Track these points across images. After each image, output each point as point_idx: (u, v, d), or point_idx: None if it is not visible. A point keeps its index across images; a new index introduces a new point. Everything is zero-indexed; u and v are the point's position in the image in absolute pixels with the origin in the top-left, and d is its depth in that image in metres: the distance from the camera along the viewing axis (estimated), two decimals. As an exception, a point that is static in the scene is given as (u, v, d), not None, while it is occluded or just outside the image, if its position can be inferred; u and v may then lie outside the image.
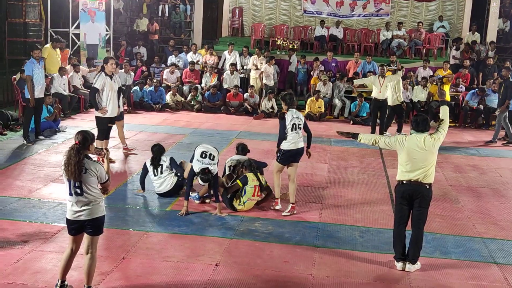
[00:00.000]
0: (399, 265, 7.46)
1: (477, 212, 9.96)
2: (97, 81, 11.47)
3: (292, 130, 9.34)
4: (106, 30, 20.56)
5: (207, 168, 9.11)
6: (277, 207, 9.60)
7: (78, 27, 19.48)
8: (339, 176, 11.81)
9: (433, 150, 7.26)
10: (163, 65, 21.39)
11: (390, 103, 15.48)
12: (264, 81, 19.22)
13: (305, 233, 8.61)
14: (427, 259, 7.73)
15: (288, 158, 9.44)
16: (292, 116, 9.37)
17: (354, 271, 7.37)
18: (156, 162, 10.07)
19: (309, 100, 18.48)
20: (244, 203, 9.36)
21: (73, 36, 19.60)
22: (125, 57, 21.21)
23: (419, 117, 7.55)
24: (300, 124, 9.46)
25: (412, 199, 7.31)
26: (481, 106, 17.95)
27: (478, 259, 7.96)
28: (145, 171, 10.13)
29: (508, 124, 15.79)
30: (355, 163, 12.96)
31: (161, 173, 9.98)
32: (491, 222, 9.51)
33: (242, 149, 10.34)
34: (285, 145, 9.40)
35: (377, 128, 15.63)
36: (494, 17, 22.63)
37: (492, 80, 18.47)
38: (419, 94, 18.24)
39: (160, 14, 25.36)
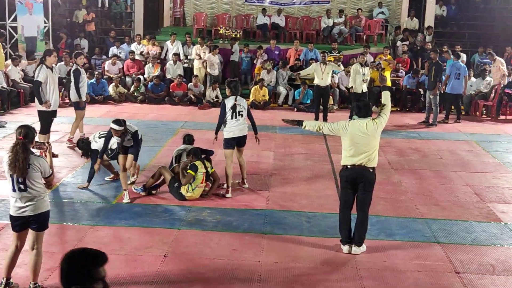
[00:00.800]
0: (345, 248, 7.60)
1: (419, 194, 10.22)
2: (39, 74, 11.24)
3: (232, 118, 9.58)
4: (45, 22, 20.11)
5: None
6: (228, 195, 9.67)
7: (15, 19, 18.99)
8: (285, 163, 11.92)
9: (375, 135, 7.41)
10: (104, 57, 21.09)
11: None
12: (208, 70, 19.19)
13: (253, 220, 8.68)
14: (372, 241, 7.90)
15: (232, 144, 9.72)
16: (234, 103, 9.56)
17: (301, 256, 7.47)
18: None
19: (253, 88, 18.54)
20: (193, 189, 9.37)
21: (11, 29, 19.10)
22: (65, 50, 20.80)
23: (361, 102, 7.70)
24: (242, 111, 9.65)
25: (356, 183, 7.46)
26: (421, 90, 18.35)
27: (421, 239, 8.18)
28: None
29: (437, 107, 16.34)
30: (300, 150, 13.09)
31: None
32: (433, 203, 9.77)
33: (188, 139, 10.34)
34: (226, 134, 9.70)
35: (321, 114, 15.80)
36: (432, 3, 23.11)
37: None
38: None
39: (100, 5, 24.96)
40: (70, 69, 13.48)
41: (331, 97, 17.51)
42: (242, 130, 9.74)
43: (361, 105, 7.60)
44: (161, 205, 9.20)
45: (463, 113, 17.85)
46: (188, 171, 9.40)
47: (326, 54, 16.18)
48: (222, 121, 9.70)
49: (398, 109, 18.61)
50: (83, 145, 10.18)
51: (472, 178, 11.21)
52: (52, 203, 8.64)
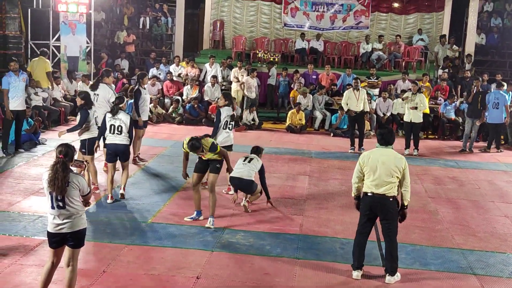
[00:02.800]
0: (355, 273, 7.56)
1: (456, 224, 10.07)
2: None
3: (224, 128, 10.58)
4: (87, 43, 20.52)
5: None
6: (230, 192, 10.75)
7: (58, 39, 19.43)
8: (320, 188, 11.87)
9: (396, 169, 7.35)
10: (143, 78, 21.38)
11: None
12: (245, 93, 19.30)
13: (286, 245, 8.65)
14: (407, 270, 7.80)
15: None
16: (227, 114, 10.50)
17: (335, 283, 7.42)
18: None
19: (290, 112, 18.58)
20: None
21: (54, 49, 19.54)
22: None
23: (384, 130, 7.67)
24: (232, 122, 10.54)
25: (375, 211, 7.44)
26: (460, 118, 18.16)
27: (457, 270, 8.05)
28: None
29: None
30: (335, 175, 13.03)
31: None
32: (469, 233, 9.62)
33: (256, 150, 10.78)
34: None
35: (357, 140, 15.71)
36: (472, 30, 22.93)
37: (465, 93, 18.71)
38: (399, 107, 18.35)
39: (141, 26, 25.39)
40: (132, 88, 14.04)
41: (367, 123, 17.44)
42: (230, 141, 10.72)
43: (384, 132, 7.56)
44: (195, 226, 9.22)
45: (503, 142, 17.55)
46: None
47: (358, 80, 16.20)
48: (216, 129, 10.62)
49: (436, 137, 18.42)
50: (86, 96, 10.51)
51: (510, 210, 11.00)
52: (88, 221, 8.77)
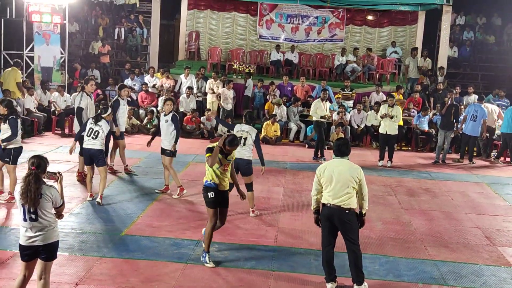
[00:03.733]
0: (328, 286, 7.59)
1: (429, 235, 10.16)
2: (81, 101, 12.07)
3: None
4: (61, 53, 20.40)
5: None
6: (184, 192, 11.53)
7: (32, 49, 19.30)
8: (295, 200, 11.90)
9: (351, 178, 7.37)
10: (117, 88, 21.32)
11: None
12: (221, 104, 19.31)
13: (261, 257, 8.65)
14: (380, 282, 7.85)
15: None
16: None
17: (309, 295, 7.43)
18: None
19: (265, 123, 18.62)
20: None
21: (27, 59, 19.39)
22: (80, 80, 21.04)
23: (340, 141, 7.68)
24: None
25: (334, 223, 7.46)
26: (433, 130, 18.36)
27: (430, 281, 8.12)
28: None
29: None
30: (310, 187, 12.96)
31: None
32: (442, 244, 9.71)
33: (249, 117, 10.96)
34: None
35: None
36: (444, 43, 23.22)
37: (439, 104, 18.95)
38: (373, 119, 18.52)
39: (116, 37, 25.32)
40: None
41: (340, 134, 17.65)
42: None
43: (339, 143, 7.59)
44: (169, 238, 9.19)
45: (475, 154, 17.81)
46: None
47: (326, 91, 16.65)
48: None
49: (410, 148, 18.60)
50: (8, 103, 10.42)
51: (482, 221, 11.14)
52: (61, 233, 8.69)
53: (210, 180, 8.22)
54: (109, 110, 11.36)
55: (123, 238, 9.14)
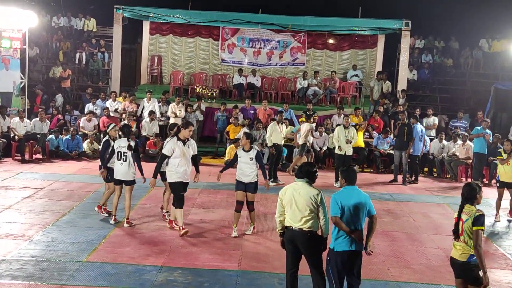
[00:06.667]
0: None
1: (391, 256, 10.24)
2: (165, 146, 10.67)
3: (118, 158, 11.00)
4: (21, 78, 20.15)
5: None
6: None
7: (-9, 74, 19.05)
8: (258, 223, 11.86)
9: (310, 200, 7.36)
10: (76, 113, 21.17)
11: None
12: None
13: (225, 281, 8.60)
14: (344, 304, 7.84)
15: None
16: (119, 145, 10.99)
17: (273, 319, 7.39)
18: None
19: (228, 147, 18.61)
20: None
21: (-14, 84, 19.12)
22: (40, 106, 20.83)
23: (304, 164, 7.76)
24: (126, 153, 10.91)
25: (296, 245, 7.45)
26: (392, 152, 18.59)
27: (393, 302, 8.16)
28: None
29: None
30: (273, 209, 13.01)
31: None
32: (405, 265, 9.79)
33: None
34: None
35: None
36: (404, 66, 23.64)
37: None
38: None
39: (77, 61, 25.15)
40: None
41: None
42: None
43: (301, 165, 7.66)
44: (131, 264, 9.08)
45: (435, 175, 18.15)
46: None
47: (282, 114, 16.93)
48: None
49: (372, 170, 18.78)
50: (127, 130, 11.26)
51: (444, 241, 11.25)
52: (20, 261, 8.56)
53: None
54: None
55: (85, 265, 8.99)
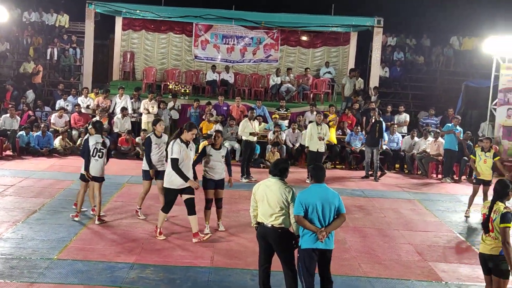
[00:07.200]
0: None
1: (363, 252, 10.32)
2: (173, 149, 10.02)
3: (93, 155, 11.03)
4: (-9, 74, 19.90)
5: None
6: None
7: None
8: (231, 219, 11.89)
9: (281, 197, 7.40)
10: (47, 109, 20.96)
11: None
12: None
13: (197, 278, 8.60)
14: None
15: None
16: (95, 141, 11.02)
17: (245, 315, 7.41)
18: None
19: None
20: None
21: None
22: (10, 102, 20.57)
23: (277, 160, 7.83)
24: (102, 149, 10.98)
25: (268, 242, 7.49)
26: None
27: (364, 297, 8.24)
28: None
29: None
30: (246, 206, 13.05)
31: None
32: (376, 261, 9.88)
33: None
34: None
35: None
36: (376, 64, 23.79)
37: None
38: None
39: (48, 57, 24.88)
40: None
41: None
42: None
43: (275, 162, 7.73)
44: (103, 262, 9.02)
45: (406, 171, 18.42)
46: None
47: (254, 111, 17.02)
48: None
49: (344, 167, 18.89)
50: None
51: (414, 237, 11.40)
52: (-11, 259, 8.46)
53: None
54: None
55: (55, 262, 8.91)
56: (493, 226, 7.09)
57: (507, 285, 7.21)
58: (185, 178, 9.90)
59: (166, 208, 10.33)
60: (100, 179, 11.13)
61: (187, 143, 10.07)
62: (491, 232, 7.11)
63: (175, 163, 9.87)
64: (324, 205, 7.08)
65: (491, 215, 7.14)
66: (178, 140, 10.03)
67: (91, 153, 11.03)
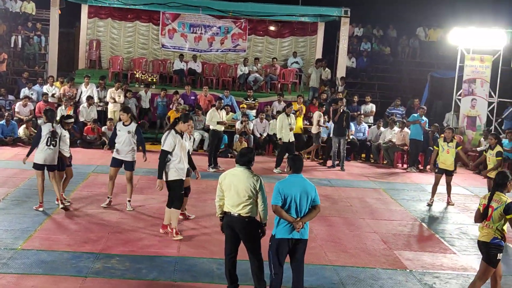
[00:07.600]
0: None
1: (329, 241, 10.42)
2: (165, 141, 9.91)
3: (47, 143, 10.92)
4: (-47, 61, 19.50)
5: None
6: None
7: None
8: (198, 209, 11.87)
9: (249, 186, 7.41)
10: (10, 97, 20.63)
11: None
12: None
13: (163, 268, 8.58)
14: (282, 288, 7.94)
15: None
16: (49, 130, 10.91)
17: (211, 304, 7.42)
18: None
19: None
20: None
21: None
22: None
23: (243, 150, 7.83)
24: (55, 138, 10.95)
25: (235, 231, 7.52)
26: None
27: (330, 286, 8.33)
28: None
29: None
30: (213, 196, 12.99)
31: None
32: (341, 250, 9.98)
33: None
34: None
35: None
36: (343, 54, 23.90)
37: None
38: (275, 128, 18.75)
39: (12, 45, 24.46)
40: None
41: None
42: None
43: (241, 152, 7.71)
44: (68, 252, 8.95)
45: (372, 161, 18.63)
46: None
47: (222, 101, 17.04)
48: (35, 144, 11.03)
49: (311, 156, 18.98)
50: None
51: (379, 226, 11.54)
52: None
53: None
54: None
55: (19, 252, 8.81)
56: (492, 215, 7.36)
57: (491, 273, 7.48)
58: (160, 175, 9.80)
59: (178, 203, 9.96)
60: (54, 167, 11.05)
61: (181, 134, 9.94)
62: (487, 221, 7.41)
63: (164, 155, 9.78)
64: (301, 196, 7.12)
65: (491, 204, 7.41)
66: (173, 131, 9.88)
67: (44, 141, 10.93)
